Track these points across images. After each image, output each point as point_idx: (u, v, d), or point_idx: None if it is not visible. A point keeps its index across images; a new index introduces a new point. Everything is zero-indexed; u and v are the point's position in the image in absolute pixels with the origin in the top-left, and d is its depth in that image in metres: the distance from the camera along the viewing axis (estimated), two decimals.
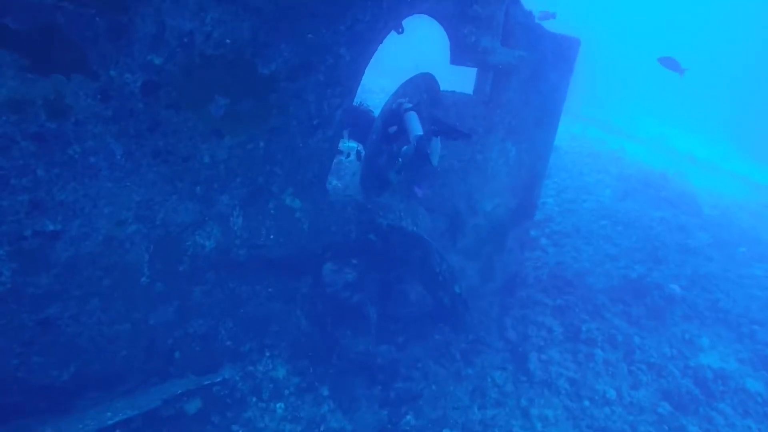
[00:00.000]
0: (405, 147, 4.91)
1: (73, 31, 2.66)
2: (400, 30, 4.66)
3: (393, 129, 4.92)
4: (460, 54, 4.93)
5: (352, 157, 5.55)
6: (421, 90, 4.92)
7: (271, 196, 4.44)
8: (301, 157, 4.47)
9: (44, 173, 2.97)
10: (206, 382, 4.41)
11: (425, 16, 4.70)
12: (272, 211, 4.50)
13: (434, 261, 4.55)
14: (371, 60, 4.60)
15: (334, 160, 4.94)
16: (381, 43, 4.59)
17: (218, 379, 4.53)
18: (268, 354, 4.96)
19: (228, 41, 3.34)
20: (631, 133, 22.60)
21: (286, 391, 4.82)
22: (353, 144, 5.47)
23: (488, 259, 7.00)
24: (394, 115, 4.85)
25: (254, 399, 4.66)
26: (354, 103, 4.90)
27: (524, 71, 5.67)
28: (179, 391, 4.21)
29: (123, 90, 3.06)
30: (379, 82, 22.64)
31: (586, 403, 5.28)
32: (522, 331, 6.25)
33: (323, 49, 3.97)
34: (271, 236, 4.55)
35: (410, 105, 4.79)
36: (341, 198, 4.99)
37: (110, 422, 3.64)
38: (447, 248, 6.46)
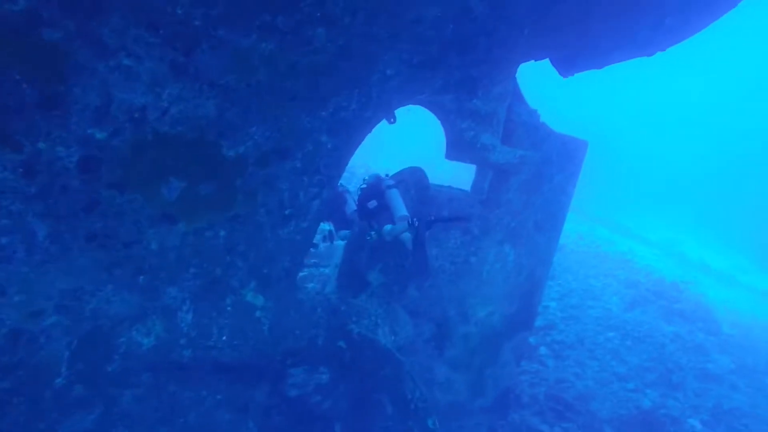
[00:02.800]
0: (387, 226, 4.48)
1: None
2: (392, 120, 4.43)
3: (373, 203, 4.54)
4: (457, 150, 4.67)
5: (319, 241, 5.14)
6: (409, 185, 4.60)
7: (229, 290, 3.96)
8: (268, 249, 4.05)
9: None
10: None
11: (420, 107, 4.48)
12: (229, 308, 4.00)
13: (406, 386, 3.94)
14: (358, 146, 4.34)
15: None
16: (370, 131, 4.34)
17: None
18: None
19: (188, 119, 3.03)
20: (641, 235, 22.36)
21: None
22: (324, 225, 5.07)
23: (479, 372, 6.32)
24: (373, 189, 4.54)
25: None
26: None
27: (526, 171, 5.39)
28: None
29: (54, 165, 2.70)
30: (381, 165, 23.02)
31: None
32: None
33: (301, 134, 3.68)
34: (224, 337, 4.00)
35: (392, 182, 4.51)
36: (311, 297, 4.49)
37: None
38: (432, 357, 5.83)
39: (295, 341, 4.29)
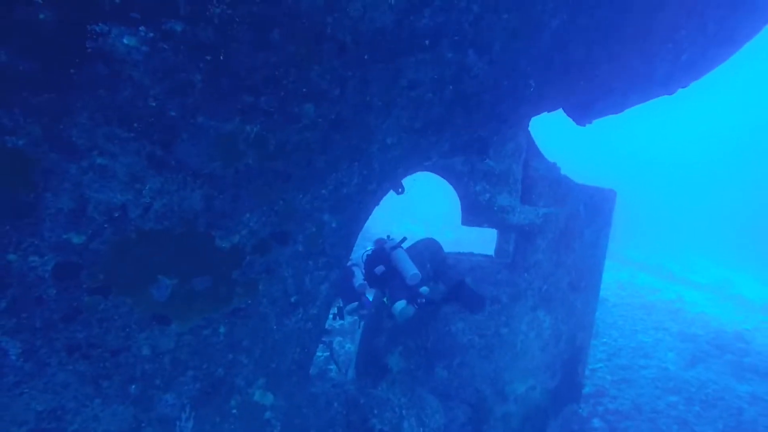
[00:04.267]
0: (398, 304, 4.13)
1: None
2: (400, 190, 4.21)
3: (380, 269, 4.30)
4: (473, 214, 4.38)
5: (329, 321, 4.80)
6: (424, 259, 4.29)
7: (234, 391, 3.63)
8: (275, 341, 3.75)
9: None
10: None
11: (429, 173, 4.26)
12: (234, 411, 3.65)
13: None
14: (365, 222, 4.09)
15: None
16: (377, 204, 4.11)
17: None
18: None
19: (174, 213, 2.85)
20: (688, 278, 21.06)
21: None
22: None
23: None
24: (378, 254, 4.34)
25: None
26: None
27: (552, 230, 5.03)
28: None
29: (26, 276, 2.51)
30: (407, 228, 22.77)
31: None
32: None
33: (301, 216, 3.47)
34: None
35: (395, 242, 4.36)
36: (327, 390, 4.09)
37: None
38: None
39: None
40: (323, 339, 7.23)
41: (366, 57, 2.88)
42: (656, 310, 13.32)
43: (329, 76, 2.86)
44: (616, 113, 5.52)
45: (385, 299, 4.07)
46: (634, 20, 4.20)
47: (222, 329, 3.42)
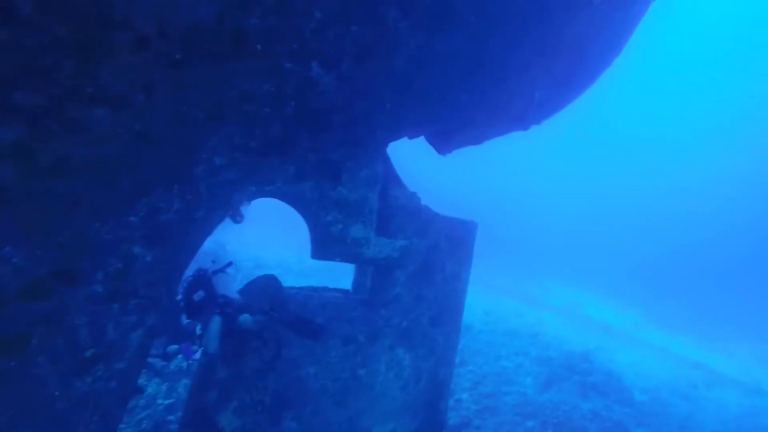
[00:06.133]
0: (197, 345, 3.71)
1: None
2: (239, 218, 3.70)
3: (200, 295, 3.92)
4: (323, 247, 4.02)
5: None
6: (262, 300, 3.80)
7: None
8: (58, 411, 2.95)
9: None
10: None
11: (274, 200, 3.81)
12: None
13: None
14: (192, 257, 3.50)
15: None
16: (209, 233, 3.54)
17: None
18: None
19: None
20: (546, 302, 23.09)
21: None
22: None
23: None
24: (198, 279, 3.96)
25: None
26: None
27: (412, 262, 4.86)
28: None
29: None
30: (278, 255, 21.85)
31: None
32: None
33: (100, 249, 2.80)
34: None
35: (220, 266, 4.08)
36: None
37: None
38: None
39: None
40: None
41: (179, 57, 2.39)
42: (519, 335, 14.18)
43: (127, 75, 2.32)
44: (477, 144, 5.62)
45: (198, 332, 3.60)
46: (491, 53, 4.26)
47: None
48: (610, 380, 11.23)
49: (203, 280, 3.91)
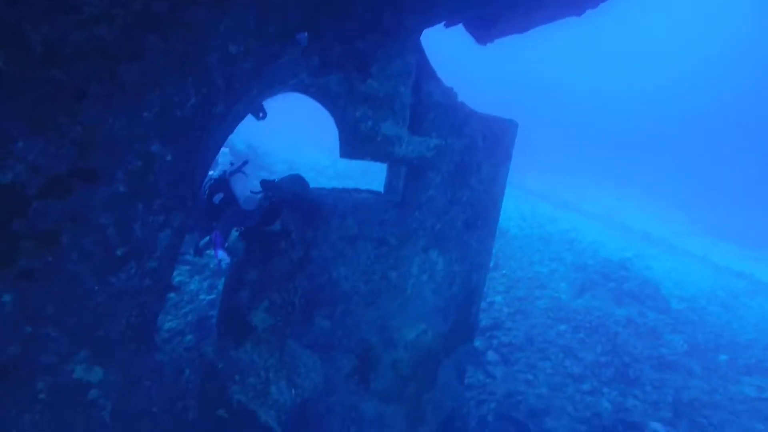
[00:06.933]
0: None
1: None
2: (261, 115, 3.50)
3: (218, 197, 3.98)
4: (352, 145, 3.82)
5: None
6: (291, 200, 3.69)
7: (39, 371, 2.93)
8: (98, 305, 3.04)
9: None
10: None
11: (297, 94, 3.57)
12: (42, 396, 2.96)
13: None
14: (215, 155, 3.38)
15: None
16: (230, 131, 3.38)
17: None
18: None
19: None
20: (582, 208, 22.64)
21: None
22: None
23: (415, 400, 5.58)
24: (218, 182, 4.00)
25: None
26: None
27: (447, 163, 4.63)
28: None
29: None
30: (311, 157, 21.76)
31: None
32: None
33: (115, 145, 2.68)
34: None
35: (236, 167, 4.09)
36: (177, 356, 3.51)
37: None
38: (356, 393, 5.01)
39: (154, 423, 3.30)
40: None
41: None
42: (553, 241, 14.08)
43: None
44: (521, 32, 5.07)
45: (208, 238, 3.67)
46: None
47: (7, 297, 2.65)
48: (647, 288, 11.15)
49: (222, 182, 3.85)
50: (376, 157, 3.95)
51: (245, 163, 4.07)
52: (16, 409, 2.82)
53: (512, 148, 5.65)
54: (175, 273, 8.23)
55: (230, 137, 3.53)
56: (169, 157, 2.98)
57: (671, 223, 25.19)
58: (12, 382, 2.80)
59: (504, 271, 10.98)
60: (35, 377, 2.91)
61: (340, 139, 3.84)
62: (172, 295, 7.71)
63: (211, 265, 7.65)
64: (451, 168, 4.72)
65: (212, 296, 7.76)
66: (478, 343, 7.93)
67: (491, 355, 7.76)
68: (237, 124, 3.38)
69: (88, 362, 3.15)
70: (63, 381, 3.02)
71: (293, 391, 3.73)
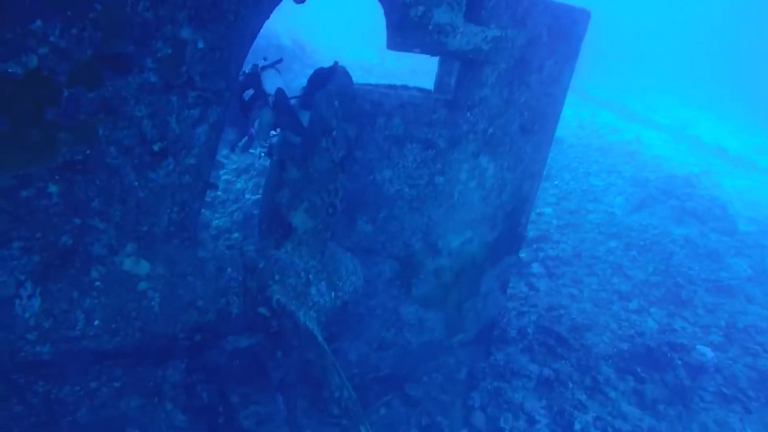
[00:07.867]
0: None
1: None
2: None
3: (249, 93, 4.01)
4: (401, 35, 3.49)
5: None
6: (331, 95, 3.45)
7: (92, 261, 3.04)
8: (141, 200, 3.07)
9: None
10: None
11: None
12: (98, 284, 3.09)
13: (333, 381, 3.15)
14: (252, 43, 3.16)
15: None
16: (267, 16, 3.12)
17: None
18: None
19: None
20: (650, 118, 21.03)
21: None
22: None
23: (456, 308, 5.65)
24: (250, 78, 4.00)
25: None
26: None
27: (506, 59, 4.22)
28: None
29: None
30: (360, 55, 20.85)
31: None
32: (493, 415, 4.92)
33: (142, 30, 2.51)
34: (96, 322, 3.13)
35: (268, 64, 4.08)
36: (219, 254, 3.57)
37: None
38: (397, 298, 5.10)
39: (200, 315, 3.45)
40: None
41: None
42: (613, 152, 13.29)
43: None
44: None
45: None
46: None
47: (53, 189, 2.68)
48: (713, 207, 10.45)
49: (254, 76, 3.71)
50: (426, 50, 3.60)
51: (279, 60, 3.90)
52: (78, 293, 2.97)
53: (581, 44, 5.08)
54: (221, 172, 8.40)
55: (276, 33, 3.29)
56: (201, 44, 2.79)
57: (754, 138, 23.04)
58: (71, 269, 2.93)
59: (556, 182, 10.55)
60: (89, 266, 3.02)
61: (387, 28, 3.50)
62: (219, 193, 7.90)
63: (256, 165, 7.69)
64: (509, 64, 4.30)
65: (257, 196, 7.90)
66: (523, 254, 7.83)
67: (536, 268, 7.68)
68: (272, 10, 3.10)
69: (134, 256, 3.23)
70: (114, 272, 3.14)
71: (333, 294, 3.77)
